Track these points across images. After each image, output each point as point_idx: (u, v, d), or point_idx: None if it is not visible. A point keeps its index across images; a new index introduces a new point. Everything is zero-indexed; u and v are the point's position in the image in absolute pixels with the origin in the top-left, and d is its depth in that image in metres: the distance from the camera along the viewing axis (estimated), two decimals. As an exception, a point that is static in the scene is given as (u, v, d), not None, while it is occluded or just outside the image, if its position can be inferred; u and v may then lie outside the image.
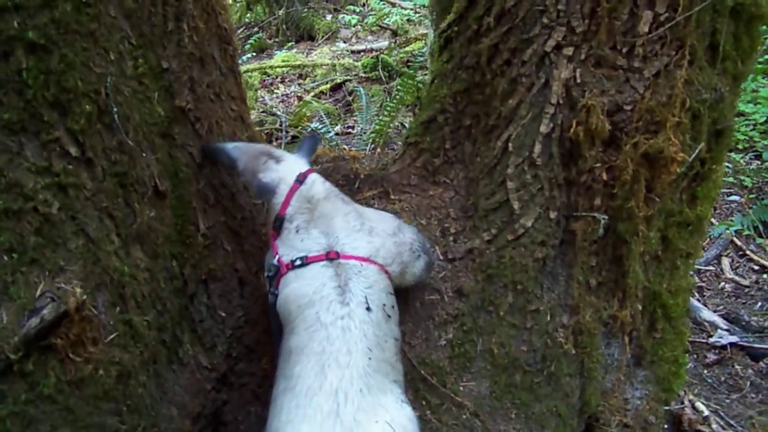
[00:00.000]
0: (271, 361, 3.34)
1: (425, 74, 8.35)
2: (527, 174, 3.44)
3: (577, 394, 3.68)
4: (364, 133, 7.68)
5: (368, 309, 2.97)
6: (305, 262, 3.10)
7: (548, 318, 3.55)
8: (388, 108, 7.42)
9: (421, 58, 8.37)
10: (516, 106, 3.44)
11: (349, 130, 8.30)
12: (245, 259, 3.58)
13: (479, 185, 3.64)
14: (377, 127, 7.43)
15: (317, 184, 3.30)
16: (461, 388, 3.49)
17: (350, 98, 9.08)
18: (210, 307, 3.54)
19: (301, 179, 3.25)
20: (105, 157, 2.83)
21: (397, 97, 7.40)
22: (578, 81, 3.29)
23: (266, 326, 3.31)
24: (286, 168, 3.30)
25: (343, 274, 3.05)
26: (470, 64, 3.65)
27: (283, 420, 2.78)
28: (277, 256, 3.18)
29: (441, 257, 3.65)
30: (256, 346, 3.68)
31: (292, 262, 3.11)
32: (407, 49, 10.08)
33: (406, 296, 3.56)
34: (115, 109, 2.82)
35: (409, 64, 9.29)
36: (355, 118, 8.42)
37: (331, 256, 3.08)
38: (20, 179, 2.60)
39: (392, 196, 3.92)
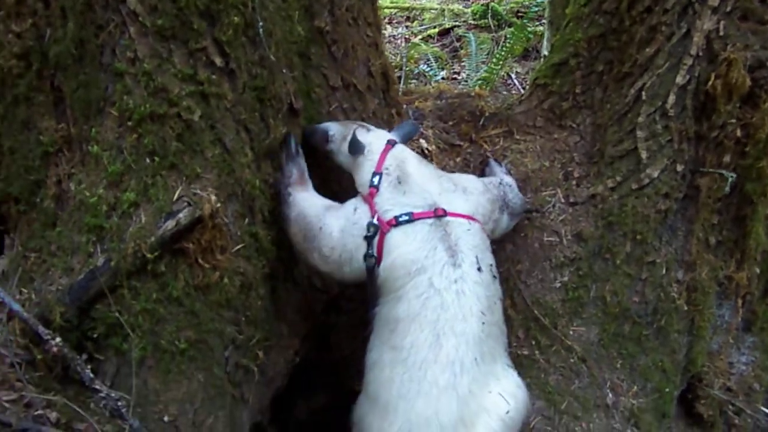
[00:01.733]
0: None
1: (537, 25, 8.25)
2: (658, 124, 3.40)
3: (684, 352, 3.65)
4: (470, 79, 7.62)
5: (479, 269, 2.92)
6: (412, 218, 2.95)
7: (664, 271, 3.52)
8: (497, 56, 7.34)
9: (536, 9, 8.23)
10: (653, 54, 3.38)
11: (455, 75, 8.24)
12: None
13: (607, 132, 3.61)
14: (485, 74, 7.36)
15: (407, 150, 3.25)
16: (571, 332, 3.51)
17: (458, 44, 9.00)
18: (329, 230, 3.58)
19: (392, 143, 3.19)
20: (247, 70, 2.90)
21: (507, 46, 7.31)
22: (721, 33, 3.22)
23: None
24: (376, 135, 3.25)
25: (452, 233, 2.95)
26: (609, 9, 3.60)
27: (395, 394, 2.77)
28: (376, 215, 3.00)
29: (563, 200, 3.65)
30: (370, 272, 3.70)
31: (396, 218, 2.95)
32: (518, -1, 9.93)
33: (525, 236, 3.57)
34: (260, 23, 2.87)
35: (519, 14, 9.16)
36: (462, 64, 8.36)
37: (439, 213, 2.96)
38: (167, 84, 2.69)
39: (516, 136, 3.91)
